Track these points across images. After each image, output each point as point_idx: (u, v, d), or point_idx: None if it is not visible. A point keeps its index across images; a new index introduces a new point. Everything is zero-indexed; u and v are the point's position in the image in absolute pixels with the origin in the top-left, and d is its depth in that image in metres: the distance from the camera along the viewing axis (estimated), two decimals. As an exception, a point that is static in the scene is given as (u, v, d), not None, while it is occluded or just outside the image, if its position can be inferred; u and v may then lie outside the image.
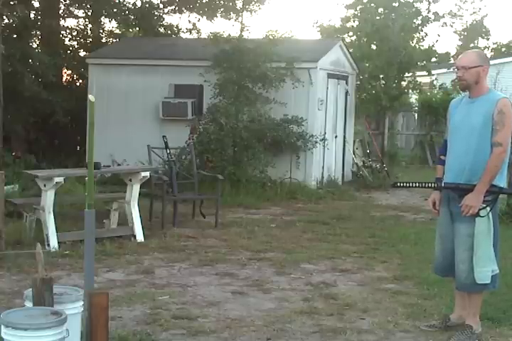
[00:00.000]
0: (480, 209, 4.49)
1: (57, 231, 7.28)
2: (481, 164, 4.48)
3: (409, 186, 5.12)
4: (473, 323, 4.67)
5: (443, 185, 4.69)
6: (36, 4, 15.66)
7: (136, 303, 5.40)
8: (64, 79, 15.88)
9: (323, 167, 12.70)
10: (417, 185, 4.94)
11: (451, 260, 4.68)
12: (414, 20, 16.88)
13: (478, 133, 4.49)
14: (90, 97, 4.24)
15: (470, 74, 4.56)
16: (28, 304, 3.88)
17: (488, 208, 4.51)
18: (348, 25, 19.15)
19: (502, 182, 4.59)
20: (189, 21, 16.98)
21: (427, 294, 5.79)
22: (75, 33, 16.58)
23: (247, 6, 15.97)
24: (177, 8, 16.56)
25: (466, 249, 4.54)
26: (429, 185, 4.85)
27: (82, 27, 16.68)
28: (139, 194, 8.04)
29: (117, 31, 17.30)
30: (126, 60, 13.12)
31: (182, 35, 17.02)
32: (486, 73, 4.62)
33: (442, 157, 4.87)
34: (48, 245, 7.16)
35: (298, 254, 7.28)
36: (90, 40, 16.47)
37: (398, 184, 5.29)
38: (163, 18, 16.82)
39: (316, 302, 5.50)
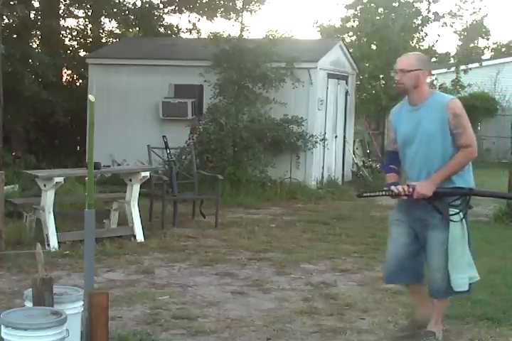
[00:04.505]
0: (452, 215, 4.35)
1: (57, 231, 7.28)
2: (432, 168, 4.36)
3: (376, 196, 4.83)
4: (436, 330, 4.59)
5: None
6: (36, 4, 15.67)
7: (136, 303, 5.40)
8: (64, 79, 15.89)
9: (323, 167, 12.70)
10: (384, 193, 4.56)
11: (404, 267, 4.54)
12: (414, 20, 16.89)
13: (440, 139, 4.31)
14: (90, 97, 4.24)
15: (408, 78, 4.36)
16: (28, 304, 3.87)
17: (461, 213, 4.36)
18: (348, 25, 19.16)
19: (466, 183, 4.41)
20: (189, 21, 17.01)
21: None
22: (75, 33, 16.60)
23: (247, 6, 15.99)
24: (177, 8, 16.57)
25: (440, 257, 4.39)
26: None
27: (82, 27, 16.70)
28: (139, 194, 8.04)
29: (117, 31, 17.31)
30: (126, 60, 13.12)
31: (182, 35, 17.04)
32: (425, 77, 4.44)
33: (392, 166, 4.62)
34: (48, 245, 7.16)
35: (298, 254, 7.28)
36: (90, 40, 16.48)
37: (364, 194, 4.97)
38: (163, 18, 16.83)
39: (316, 302, 5.50)
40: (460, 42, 24.65)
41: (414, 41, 17.26)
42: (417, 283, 4.68)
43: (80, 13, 16.62)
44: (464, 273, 4.41)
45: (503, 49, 29.45)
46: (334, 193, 11.93)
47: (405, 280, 4.71)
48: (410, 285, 4.76)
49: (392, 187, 4.43)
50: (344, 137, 13.84)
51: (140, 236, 7.85)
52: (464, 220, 4.39)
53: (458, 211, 4.35)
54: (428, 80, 5.03)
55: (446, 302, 4.64)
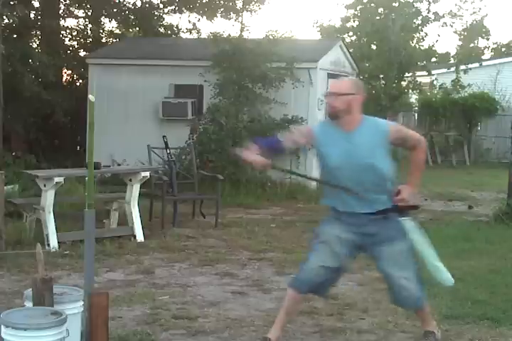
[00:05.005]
0: (405, 220, 4.33)
1: (57, 231, 7.28)
2: (378, 193, 4.26)
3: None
4: (432, 328, 4.57)
5: (346, 212, 4.31)
6: (36, 4, 15.67)
7: (136, 303, 5.39)
8: (64, 79, 15.89)
9: (323, 167, 12.68)
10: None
11: (325, 279, 4.40)
12: (414, 20, 16.92)
13: (378, 166, 4.22)
14: (90, 97, 4.23)
15: (341, 102, 4.21)
16: (28, 304, 3.87)
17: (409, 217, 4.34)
18: (348, 25, 19.19)
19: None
20: (189, 21, 17.02)
21: (427, 294, 5.78)
22: (75, 33, 16.61)
23: (247, 6, 16.00)
24: (177, 8, 16.57)
25: (408, 266, 4.29)
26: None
27: (82, 27, 16.70)
28: (139, 194, 8.04)
29: (117, 31, 17.31)
30: (126, 60, 13.12)
31: (182, 35, 17.05)
32: (358, 103, 4.27)
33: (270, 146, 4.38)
34: (48, 245, 7.16)
35: (298, 254, 7.26)
36: (90, 40, 16.48)
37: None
38: (163, 18, 16.85)
39: (316, 302, 5.50)
40: (460, 42, 24.66)
41: (414, 41, 17.29)
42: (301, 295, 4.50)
43: (80, 13, 16.63)
44: (443, 268, 4.41)
45: (503, 49, 29.47)
46: (334, 193, 11.91)
47: (319, 291, 4.54)
48: (302, 295, 4.52)
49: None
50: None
51: (140, 236, 7.85)
52: (413, 222, 4.37)
53: (407, 218, 4.36)
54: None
55: (427, 304, 4.56)
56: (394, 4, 16.74)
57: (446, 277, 4.44)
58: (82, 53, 16.13)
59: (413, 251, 4.33)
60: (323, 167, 4.44)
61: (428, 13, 17.29)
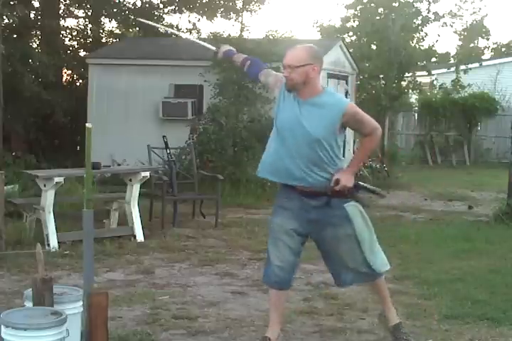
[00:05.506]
0: (351, 205, 4.28)
1: (57, 231, 7.28)
2: (317, 169, 4.18)
3: None
4: (397, 319, 4.58)
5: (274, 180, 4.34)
6: (36, 4, 15.68)
7: (136, 303, 5.39)
8: (64, 79, 15.89)
9: (323, 167, 12.68)
10: None
11: (293, 272, 4.44)
12: (414, 20, 16.89)
13: (319, 139, 4.11)
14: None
15: (297, 74, 4.07)
16: (28, 304, 3.87)
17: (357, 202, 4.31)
18: (348, 25, 19.18)
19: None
20: (189, 21, 17.03)
21: (427, 294, 5.79)
22: (75, 33, 16.61)
23: (247, 6, 15.99)
24: (177, 8, 16.58)
25: (355, 250, 4.29)
26: None
27: (82, 27, 16.71)
28: (139, 194, 8.04)
29: (117, 31, 17.31)
30: (126, 60, 13.12)
31: (182, 35, 17.03)
32: (317, 72, 4.13)
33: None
34: (48, 245, 7.16)
35: (298, 254, 7.27)
36: (90, 40, 16.48)
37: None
38: (163, 18, 16.84)
39: (316, 302, 5.50)
40: (460, 42, 24.67)
41: (414, 41, 17.27)
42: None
43: (80, 13, 16.63)
44: (380, 253, 4.41)
45: (503, 49, 29.49)
46: (334, 193, 11.90)
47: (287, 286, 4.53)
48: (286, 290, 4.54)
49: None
50: (344, 137, 13.82)
51: (140, 236, 7.85)
52: (359, 207, 4.34)
53: (353, 202, 4.30)
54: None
55: (384, 284, 4.57)
56: (394, 4, 16.72)
57: (381, 262, 4.39)
58: (82, 53, 16.13)
59: (357, 236, 4.30)
60: (274, 125, 4.36)
61: (428, 13, 17.27)
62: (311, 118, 4.13)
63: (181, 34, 5.28)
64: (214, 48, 4.83)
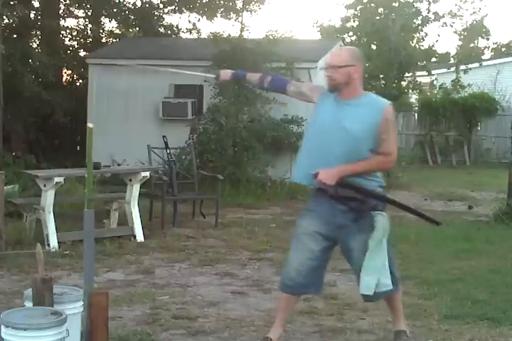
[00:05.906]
0: (378, 215, 4.14)
1: (57, 231, 7.28)
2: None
3: None
4: (405, 327, 4.55)
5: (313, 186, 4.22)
6: (36, 4, 15.69)
7: (136, 303, 5.39)
8: (64, 79, 15.90)
9: (323, 167, 12.68)
10: None
11: (312, 277, 4.35)
12: (414, 20, 16.92)
13: (358, 140, 4.06)
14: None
15: (341, 74, 4.12)
16: (28, 304, 3.87)
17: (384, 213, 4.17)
18: (348, 25, 19.21)
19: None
20: (189, 21, 17.03)
21: (427, 294, 5.79)
22: (75, 33, 16.63)
23: (247, 6, 15.98)
24: (177, 8, 16.59)
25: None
26: None
27: (82, 27, 16.73)
28: (139, 194, 8.04)
29: (117, 31, 17.32)
30: (126, 60, 13.11)
31: (182, 35, 17.06)
32: (359, 73, 4.18)
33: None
34: (48, 245, 7.16)
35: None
36: (90, 40, 16.49)
37: None
38: (163, 18, 16.86)
39: (316, 302, 5.50)
40: (460, 42, 24.67)
41: (414, 41, 17.29)
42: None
43: (80, 13, 16.64)
44: (375, 277, 4.17)
45: (503, 49, 29.50)
46: (334, 193, 11.90)
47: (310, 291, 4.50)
48: (298, 296, 4.53)
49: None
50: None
51: (140, 236, 7.85)
52: (388, 220, 4.18)
53: (379, 211, 4.16)
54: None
55: (399, 295, 4.53)
56: (394, 4, 16.75)
57: (366, 284, 4.18)
58: (82, 53, 16.15)
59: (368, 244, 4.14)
60: (307, 129, 4.39)
61: (428, 13, 17.30)
62: (352, 118, 4.11)
63: (176, 70, 5.35)
64: (213, 76, 4.88)
